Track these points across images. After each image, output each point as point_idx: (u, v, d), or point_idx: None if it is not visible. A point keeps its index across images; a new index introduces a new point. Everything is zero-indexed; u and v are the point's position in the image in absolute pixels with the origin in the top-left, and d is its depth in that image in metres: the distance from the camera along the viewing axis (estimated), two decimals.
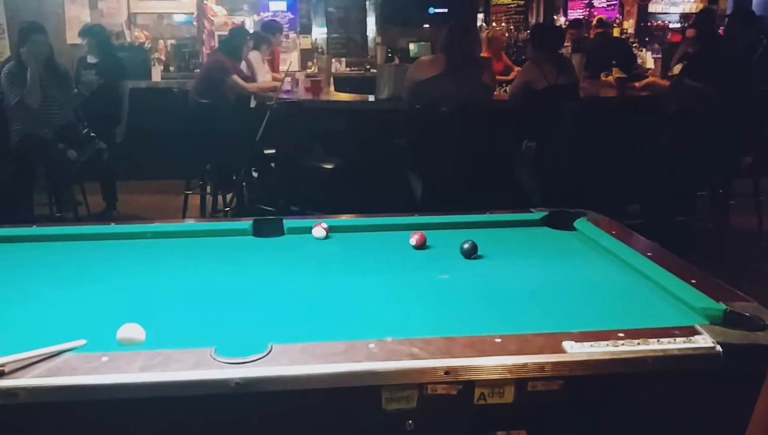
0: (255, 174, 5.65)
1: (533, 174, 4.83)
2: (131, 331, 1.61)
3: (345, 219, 2.69)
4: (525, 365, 1.49)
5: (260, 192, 5.43)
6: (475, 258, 2.28)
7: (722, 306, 1.73)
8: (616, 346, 1.53)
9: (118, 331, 1.60)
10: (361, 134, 5.15)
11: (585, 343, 1.53)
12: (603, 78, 6.43)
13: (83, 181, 5.86)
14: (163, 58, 8.94)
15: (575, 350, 1.51)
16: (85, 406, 1.41)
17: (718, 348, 1.53)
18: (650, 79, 5.78)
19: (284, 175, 5.17)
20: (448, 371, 1.46)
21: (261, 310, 1.87)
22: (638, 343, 1.54)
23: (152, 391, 1.41)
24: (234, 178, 5.62)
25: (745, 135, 5.17)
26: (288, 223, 2.58)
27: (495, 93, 5.18)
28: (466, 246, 2.28)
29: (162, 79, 8.13)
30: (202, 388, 1.42)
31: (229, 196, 5.86)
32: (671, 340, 1.55)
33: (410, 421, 1.50)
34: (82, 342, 1.54)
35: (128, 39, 8.94)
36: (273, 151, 5.28)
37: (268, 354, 1.48)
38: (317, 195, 5.10)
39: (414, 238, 2.38)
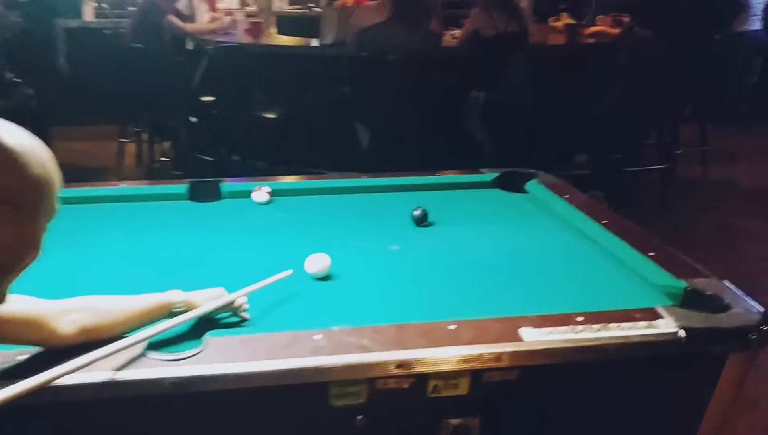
0: (194, 120, 5.40)
1: (481, 124, 4.73)
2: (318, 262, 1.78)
3: (288, 181, 2.54)
4: (480, 356, 1.40)
5: (199, 141, 5.20)
6: (425, 225, 2.18)
7: (683, 283, 1.68)
8: (576, 333, 1.45)
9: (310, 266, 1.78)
10: (304, 81, 4.94)
11: (543, 330, 1.45)
12: (551, 23, 6.29)
13: None
14: None
15: (533, 338, 1.43)
16: None
17: (681, 333, 1.46)
18: (599, 26, 5.67)
19: (224, 124, 4.95)
20: (400, 364, 1.37)
21: (197, 284, 1.74)
22: (598, 329, 1.46)
23: (76, 395, 1.27)
24: (171, 125, 5.37)
25: (692, 83, 5.16)
26: (226, 186, 2.43)
27: (443, 40, 5.01)
28: (416, 213, 2.18)
29: (96, 18, 7.69)
30: (133, 389, 1.29)
31: (167, 145, 5.62)
32: (632, 324, 1.48)
33: (360, 417, 1.41)
34: (289, 272, 1.69)
35: None
36: (212, 98, 5.04)
37: (203, 349, 1.36)
38: (260, 145, 4.91)
39: None
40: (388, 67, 4.39)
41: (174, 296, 1.50)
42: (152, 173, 5.26)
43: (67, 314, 1.33)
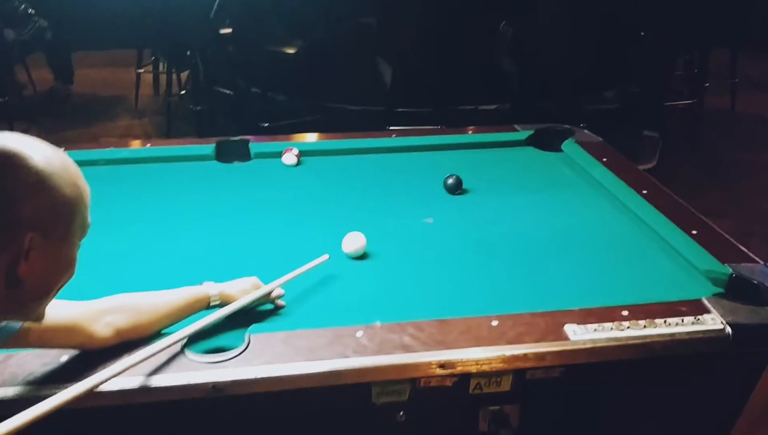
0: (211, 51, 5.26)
1: (510, 57, 4.58)
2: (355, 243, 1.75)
3: (316, 141, 2.49)
4: (524, 356, 1.38)
5: (217, 74, 5.08)
6: (459, 193, 2.13)
7: (727, 269, 1.64)
8: (622, 331, 1.42)
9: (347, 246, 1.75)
10: (325, 12, 4.78)
11: (588, 327, 1.42)
12: None
13: (25, 58, 5.43)
14: None
15: (578, 337, 1.40)
16: None
17: (728, 330, 1.43)
18: None
19: (243, 57, 4.82)
20: (443, 365, 1.35)
21: (227, 261, 1.74)
22: (644, 326, 1.43)
23: (121, 399, 1.27)
24: (188, 53, 5.23)
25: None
26: (254, 146, 2.38)
27: None
28: (450, 181, 2.13)
29: None
30: (175, 394, 1.28)
31: (184, 76, 5.50)
32: (678, 320, 1.45)
33: (401, 413, 1.41)
34: (325, 257, 1.66)
35: None
36: (229, 30, 4.89)
37: (246, 348, 1.35)
38: (279, 78, 4.80)
39: None
40: None
41: (210, 289, 1.48)
42: (169, 106, 5.18)
43: (102, 316, 1.31)
